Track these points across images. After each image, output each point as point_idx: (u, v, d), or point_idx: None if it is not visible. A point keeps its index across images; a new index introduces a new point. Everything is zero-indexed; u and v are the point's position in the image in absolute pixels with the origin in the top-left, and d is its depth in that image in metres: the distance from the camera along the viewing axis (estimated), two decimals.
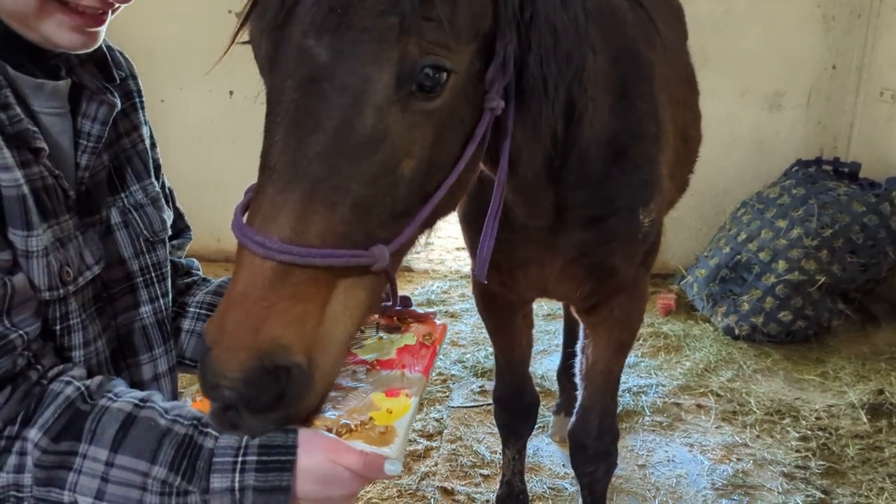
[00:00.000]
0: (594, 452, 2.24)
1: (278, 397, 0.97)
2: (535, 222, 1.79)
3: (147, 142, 1.46)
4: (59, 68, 1.24)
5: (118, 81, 1.37)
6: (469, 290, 5.11)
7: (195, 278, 1.61)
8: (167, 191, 1.57)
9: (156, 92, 4.88)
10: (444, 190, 1.13)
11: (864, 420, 3.60)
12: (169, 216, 1.49)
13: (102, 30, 1.20)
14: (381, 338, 1.27)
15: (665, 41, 1.95)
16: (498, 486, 2.80)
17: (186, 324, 1.54)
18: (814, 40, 5.05)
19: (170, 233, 1.47)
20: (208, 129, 5.21)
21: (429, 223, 1.19)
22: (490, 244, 1.32)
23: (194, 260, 1.66)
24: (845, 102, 5.13)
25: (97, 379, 1.15)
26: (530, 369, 2.64)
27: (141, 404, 1.11)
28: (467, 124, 1.17)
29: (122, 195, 1.37)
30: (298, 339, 0.98)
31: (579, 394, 2.24)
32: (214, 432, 1.08)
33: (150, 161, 1.45)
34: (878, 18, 4.93)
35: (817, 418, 3.62)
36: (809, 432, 3.49)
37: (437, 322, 1.34)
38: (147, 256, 1.39)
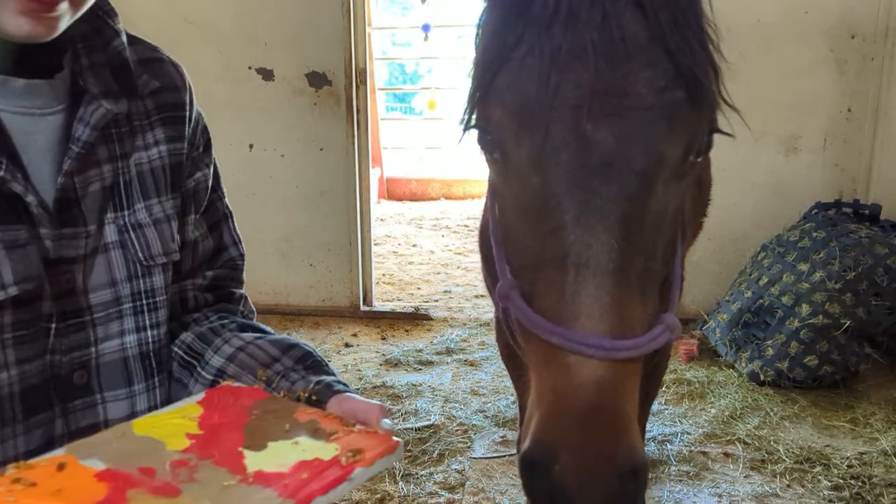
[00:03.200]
0: None
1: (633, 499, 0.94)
2: None
3: (173, 159, 1.36)
4: (57, 69, 1.20)
5: (143, 93, 1.32)
6: (489, 338, 5.08)
7: (199, 315, 1.45)
8: (221, 216, 1.50)
9: None
10: (681, 251, 1.16)
11: None
12: (200, 242, 1.42)
13: (60, 17, 1.12)
14: (295, 442, 1.02)
15: None
16: None
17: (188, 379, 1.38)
18: (828, 84, 5.07)
19: (176, 258, 1.36)
20: (228, 182, 5.27)
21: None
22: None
23: (237, 292, 1.52)
24: (862, 145, 5.12)
25: None
26: None
27: None
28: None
29: (123, 213, 1.29)
30: (639, 438, 0.95)
31: None
32: None
33: (167, 181, 1.35)
34: (891, 61, 4.95)
35: (849, 466, 3.52)
36: (842, 481, 3.39)
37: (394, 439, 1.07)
38: (141, 281, 1.30)
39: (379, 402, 1.11)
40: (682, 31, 1.00)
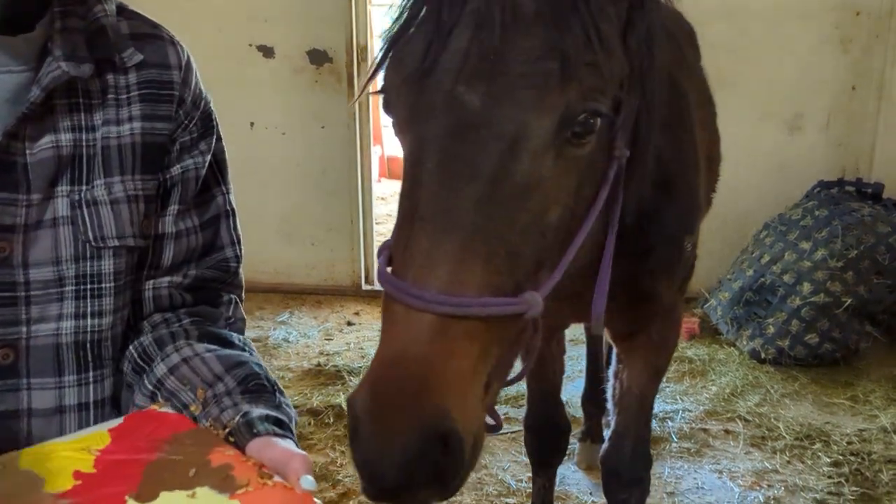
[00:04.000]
0: (628, 479, 2.20)
1: (440, 472, 0.90)
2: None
3: (150, 138, 1.26)
4: (28, 29, 1.15)
5: (126, 65, 1.24)
6: None
7: (170, 315, 1.32)
8: (221, 212, 1.38)
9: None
10: (581, 237, 1.11)
11: None
12: (187, 235, 1.31)
13: None
14: (192, 494, 0.91)
15: (687, 65, 1.97)
16: None
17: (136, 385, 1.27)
18: (832, 62, 5.03)
19: (130, 244, 1.24)
20: (230, 160, 5.27)
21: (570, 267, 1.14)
22: (604, 297, 1.28)
23: (226, 296, 1.39)
24: (866, 123, 5.10)
25: None
26: None
27: None
28: (600, 171, 1.15)
29: (81, 187, 1.19)
30: (460, 403, 0.90)
31: (612, 420, 2.21)
32: None
33: (137, 159, 1.25)
34: None
35: (849, 443, 3.55)
36: (841, 457, 3.42)
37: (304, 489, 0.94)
38: (88, 263, 1.19)
39: (303, 453, 1.00)
40: (566, 5, 0.99)
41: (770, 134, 5.16)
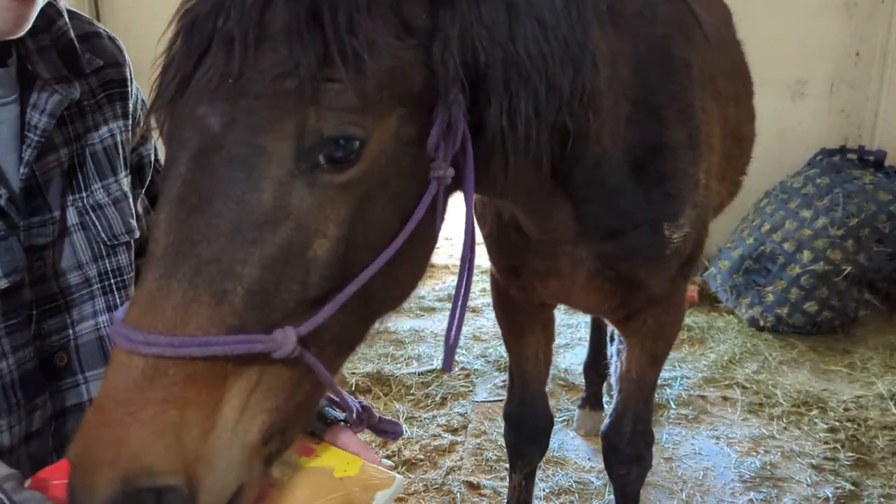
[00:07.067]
0: (626, 457, 2.19)
1: None
2: (551, 236, 1.69)
3: (123, 136, 1.35)
4: (7, 55, 1.17)
5: (87, 72, 1.29)
6: None
7: None
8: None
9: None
10: (373, 270, 0.97)
11: (894, 411, 3.55)
12: (143, 217, 1.40)
13: (30, 13, 1.12)
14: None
15: (710, 35, 1.79)
16: None
17: None
18: (836, 27, 4.97)
19: (137, 235, 1.37)
20: None
21: (369, 306, 1.02)
22: (457, 332, 1.11)
23: None
24: (869, 90, 5.05)
25: None
26: (552, 362, 2.51)
27: None
28: (405, 198, 1.01)
29: (82, 195, 1.28)
30: (170, 454, 0.81)
31: (614, 396, 2.20)
32: None
33: (120, 158, 1.34)
34: None
35: (845, 409, 3.58)
36: (838, 423, 3.45)
37: (394, 476, 1.05)
38: (106, 261, 1.31)
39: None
40: (308, 19, 0.90)
41: (772, 100, 5.11)
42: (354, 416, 1.12)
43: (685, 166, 1.68)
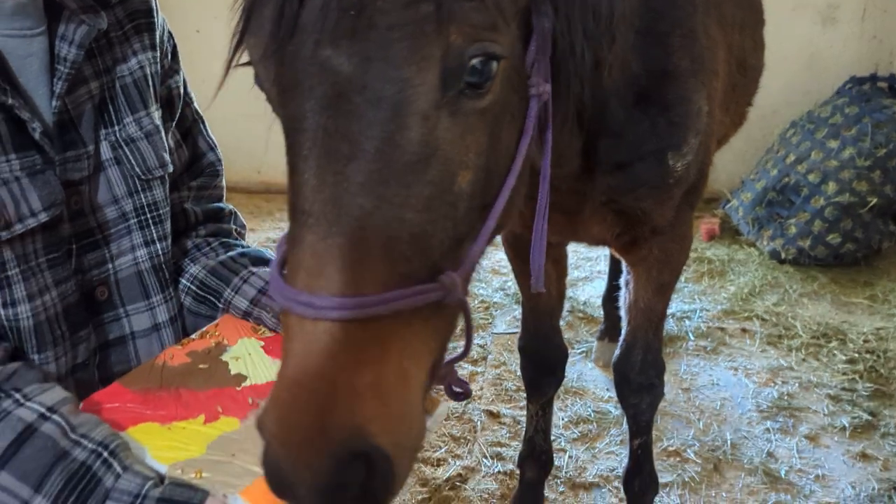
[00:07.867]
0: (637, 386, 2.22)
1: (364, 490, 0.81)
2: (559, 171, 1.65)
3: (152, 68, 1.33)
4: None
5: (113, 2, 1.27)
6: None
7: (199, 241, 1.48)
8: (190, 122, 1.46)
9: (191, 22, 4.83)
10: (504, 197, 0.97)
11: None
12: (175, 151, 1.40)
13: None
14: None
15: None
16: (521, 444, 2.65)
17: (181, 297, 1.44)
18: None
19: (171, 169, 1.37)
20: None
21: (493, 238, 1.02)
22: (542, 251, 1.13)
23: (226, 207, 1.53)
24: None
25: (11, 366, 1.07)
26: (571, 295, 2.51)
27: (47, 414, 1.01)
28: (518, 118, 1.01)
29: (115, 128, 1.27)
30: (378, 416, 0.81)
31: (623, 327, 2.22)
32: (119, 465, 0.99)
33: (150, 91, 1.33)
34: None
35: (865, 341, 3.58)
36: (857, 355, 3.46)
37: (441, 400, 1.08)
38: (141, 196, 1.31)
39: None
40: None
41: (802, 26, 4.95)
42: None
43: (689, 93, 1.66)
